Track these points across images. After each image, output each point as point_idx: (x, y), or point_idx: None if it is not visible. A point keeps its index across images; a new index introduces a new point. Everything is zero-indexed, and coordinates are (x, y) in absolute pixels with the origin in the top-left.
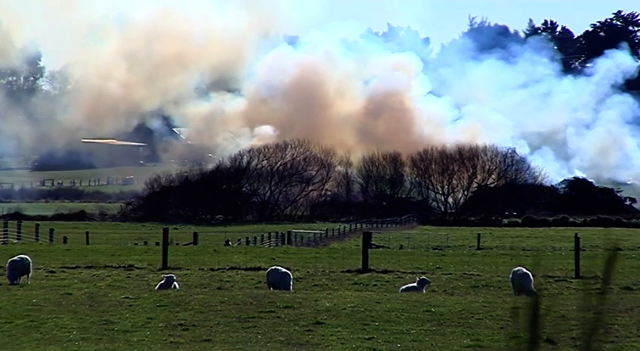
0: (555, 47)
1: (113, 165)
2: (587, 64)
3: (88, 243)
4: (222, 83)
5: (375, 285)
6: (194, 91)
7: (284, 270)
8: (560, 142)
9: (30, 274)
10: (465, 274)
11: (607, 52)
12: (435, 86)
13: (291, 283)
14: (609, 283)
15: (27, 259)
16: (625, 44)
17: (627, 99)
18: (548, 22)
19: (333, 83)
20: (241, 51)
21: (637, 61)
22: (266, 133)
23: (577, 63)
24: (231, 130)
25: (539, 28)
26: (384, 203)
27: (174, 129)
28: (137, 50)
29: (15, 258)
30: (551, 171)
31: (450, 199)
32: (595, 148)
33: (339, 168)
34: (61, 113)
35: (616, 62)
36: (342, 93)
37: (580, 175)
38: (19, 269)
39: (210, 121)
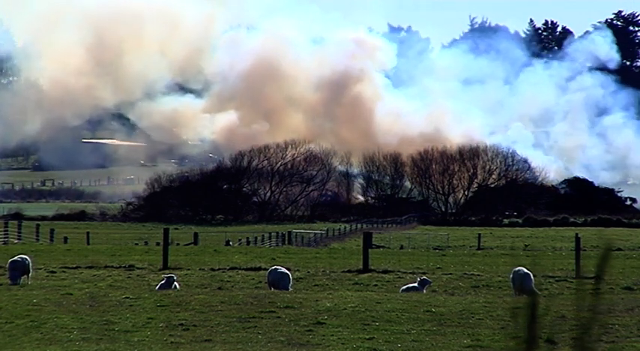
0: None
1: (113, 165)
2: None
3: (88, 243)
4: (186, 75)
5: (375, 285)
6: (155, 88)
7: (283, 270)
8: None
9: (30, 274)
10: (465, 274)
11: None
12: (404, 77)
13: (290, 283)
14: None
15: (27, 259)
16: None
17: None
18: (549, 23)
19: (290, 68)
20: (204, 41)
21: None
22: (228, 122)
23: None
24: (194, 125)
25: (539, 28)
26: (384, 204)
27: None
28: (96, 39)
29: (15, 258)
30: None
31: (451, 199)
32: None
33: (339, 168)
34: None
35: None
36: (298, 78)
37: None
38: (19, 269)
39: (172, 120)
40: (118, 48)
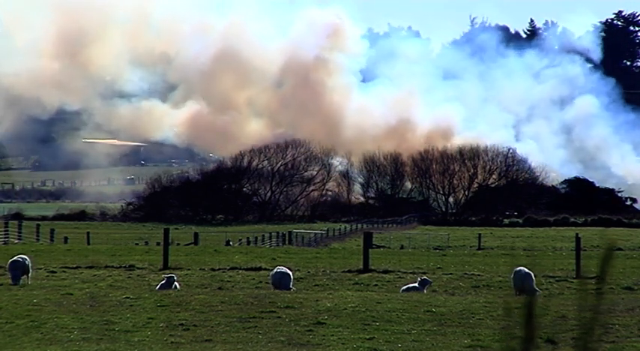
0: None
1: (114, 165)
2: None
3: (88, 243)
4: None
5: (375, 285)
6: (122, 85)
7: (284, 270)
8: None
9: (30, 274)
10: (465, 274)
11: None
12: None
13: (291, 283)
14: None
15: (26, 259)
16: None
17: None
18: (549, 23)
19: (252, 47)
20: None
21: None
22: (191, 114)
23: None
24: (160, 123)
25: (539, 29)
26: (385, 204)
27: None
28: (61, 32)
29: (15, 258)
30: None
31: (451, 199)
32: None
33: (339, 168)
34: None
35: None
36: (258, 58)
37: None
38: (20, 269)
39: (139, 119)
40: (85, 40)
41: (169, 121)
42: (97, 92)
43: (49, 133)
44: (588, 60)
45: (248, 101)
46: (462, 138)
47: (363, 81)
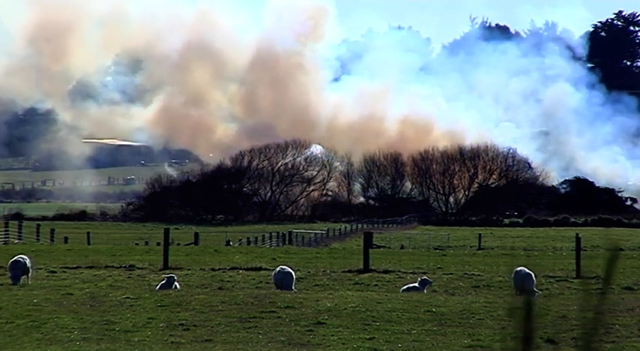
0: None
1: (114, 165)
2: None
3: (89, 243)
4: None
5: (376, 285)
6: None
7: (286, 270)
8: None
9: (30, 274)
10: (465, 274)
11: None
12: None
13: (294, 283)
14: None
15: (26, 259)
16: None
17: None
18: (549, 23)
19: (223, 44)
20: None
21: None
22: (164, 106)
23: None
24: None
25: (540, 29)
26: (385, 204)
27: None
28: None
29: (16, 258)
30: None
31: (451, 199)
32: None
33: (339, 168)
34: None
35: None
36: (231, 50)
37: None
38: (20, 269)
39: (104, 121)
40: (57, 35)
41: (142, 119)
42: (68, 90)
43: (21, 133)
44: (576, 57)
45: (220, 95)
46: (441, 132)
47: (341, 74)
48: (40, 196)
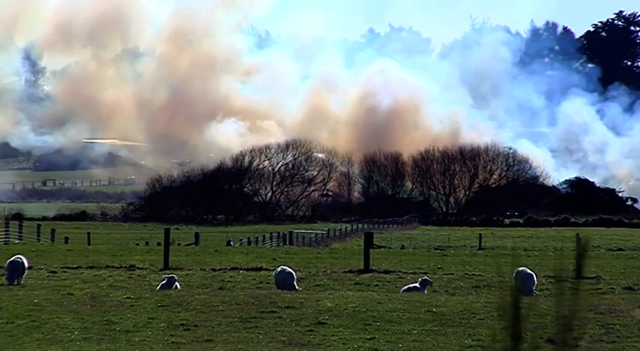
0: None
1: (114, 165)
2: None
3: (89, 243)
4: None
5: (376, 285)
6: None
7: (288, 269)
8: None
9: (25, 274)
10: (466, 274)
11: None
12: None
13: (295, 283)
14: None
15: (24, 259)
16: None
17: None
18: (550, 23)
19: (137, 17)
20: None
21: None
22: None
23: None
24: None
25: (540, 29)
26: (385, 204)
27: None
28: None
29: (14, 259)
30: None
31: (452, 200)
32: None
33: (340, 168)
34: None
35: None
36: (144, 28)
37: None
38: (19, 270)
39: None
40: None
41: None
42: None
43: None
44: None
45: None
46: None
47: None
48: (40, 196)
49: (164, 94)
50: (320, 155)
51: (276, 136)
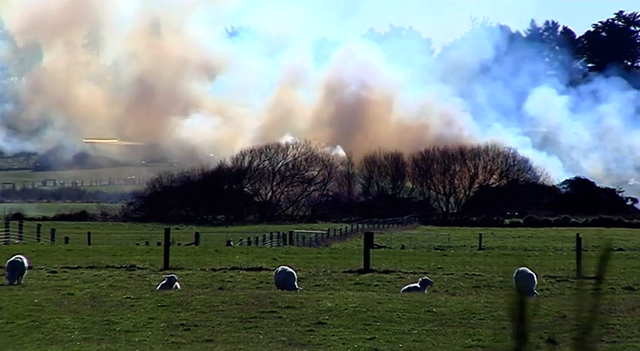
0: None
1: (115, 165)
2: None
3: (89, 243)
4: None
5: (376, 285)
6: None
7: (289, 269)
8: None
9: (25, 274)
10: (466, 274)
11: None
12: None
13: (296, 283)
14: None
15: (24, 259)
16: None
17: None
18: (550, 23)
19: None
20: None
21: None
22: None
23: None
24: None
25: (540, 29)
26: (386, 204)
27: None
28: None
29: (14, 258)
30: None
31: (452, 200)
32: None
33: (340, 168)
34: None
35: None
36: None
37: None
38: (19, 270)
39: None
40: None
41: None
42: None
43: None
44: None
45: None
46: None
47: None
48: (40, 196)
49: (134, 91)
50: (324, 149)
51: (248, 130)
